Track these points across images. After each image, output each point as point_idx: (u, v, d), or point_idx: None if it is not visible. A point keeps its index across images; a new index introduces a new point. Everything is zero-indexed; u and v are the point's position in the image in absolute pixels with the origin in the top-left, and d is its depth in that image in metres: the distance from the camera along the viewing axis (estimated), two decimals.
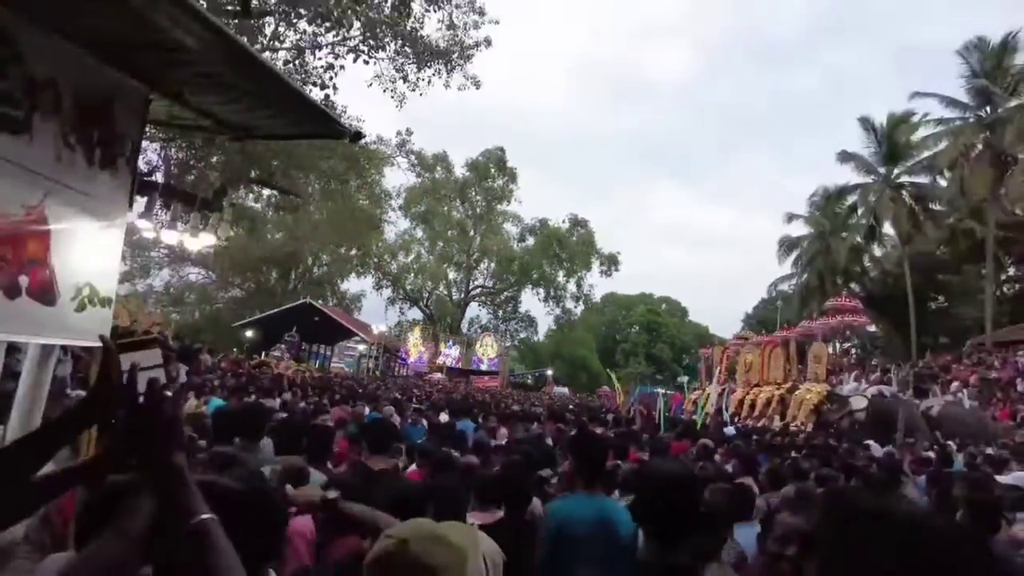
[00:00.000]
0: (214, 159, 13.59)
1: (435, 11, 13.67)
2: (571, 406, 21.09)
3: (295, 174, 22.44)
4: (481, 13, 16.55)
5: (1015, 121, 25.84)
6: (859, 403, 16.32)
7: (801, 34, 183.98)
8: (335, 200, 23.59)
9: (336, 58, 11.24)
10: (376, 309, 57.93)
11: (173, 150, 14.26)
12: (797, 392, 18.23)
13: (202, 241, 6.66)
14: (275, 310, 41.04)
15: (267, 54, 13.41)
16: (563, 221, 49.82)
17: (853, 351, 34.88)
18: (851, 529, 1.03)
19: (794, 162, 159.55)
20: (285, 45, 12.61)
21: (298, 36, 11.99)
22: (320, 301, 44.90)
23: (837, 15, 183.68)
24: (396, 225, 47.39)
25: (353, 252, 40.19)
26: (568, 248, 48.31)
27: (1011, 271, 35.55)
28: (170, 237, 6.69)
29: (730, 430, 13.10)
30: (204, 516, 0.97)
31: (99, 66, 2.78)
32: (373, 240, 37.71)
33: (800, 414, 17.44)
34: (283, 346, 35.47)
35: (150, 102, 3.11)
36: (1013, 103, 27.22)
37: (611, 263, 48.96)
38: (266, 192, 27.04)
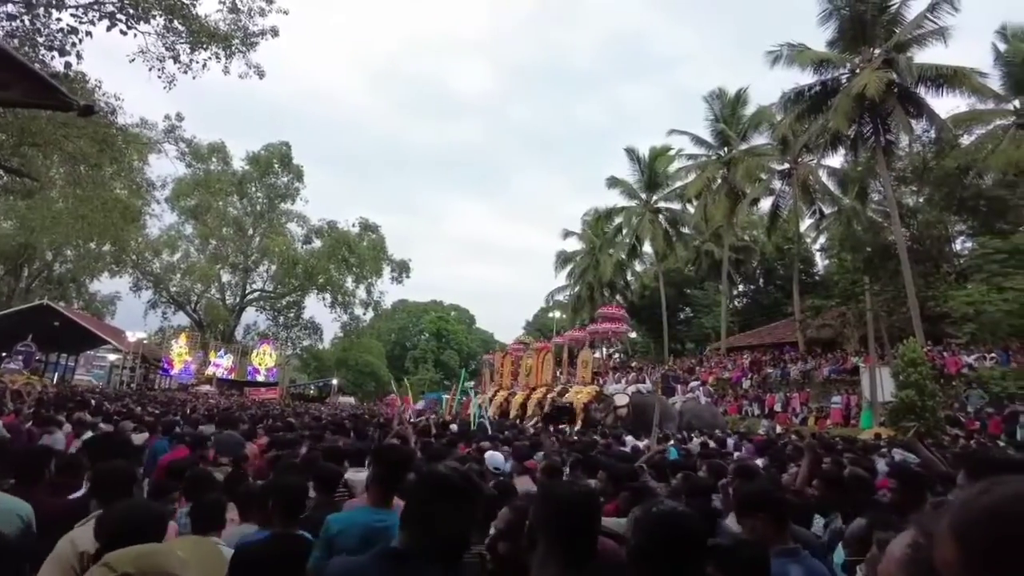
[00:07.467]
0: None
1: None
2: (356, 415, 20.48)
3: (30, 152, 19.11)
4: (268, 0, 15.65)
5: (744, 162, 31.20)
6: (622, 400, 18.10)
7: (592, 66, 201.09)
8: (83, 187, 20.51)
9: (82, 22, 9.72)
10: (134, 314, 51.29)
11: None
12: (567, 394, 19.65)
13: None
14: (1, 313, 34.66)
15: None
16: (353, 225, 47.51)
17: (616, 355, 38.63)
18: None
19: (576, 183, 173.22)
20: None
21: None
22: (62, 303, 38.86)
23: (624, 53, 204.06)
24: (161, 219, 42.32)
25: (106, 248, 35.21)
26: (358, 253, 46.31)
27: (740, 287, 42.25)
28: None
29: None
30: None
31: None
32: (131, 235, 33.30)
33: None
34: (20, 357, 29.48)
35: None
36: (743, 147, 32.67)
37: (402, 270, 48.25)
38: None
